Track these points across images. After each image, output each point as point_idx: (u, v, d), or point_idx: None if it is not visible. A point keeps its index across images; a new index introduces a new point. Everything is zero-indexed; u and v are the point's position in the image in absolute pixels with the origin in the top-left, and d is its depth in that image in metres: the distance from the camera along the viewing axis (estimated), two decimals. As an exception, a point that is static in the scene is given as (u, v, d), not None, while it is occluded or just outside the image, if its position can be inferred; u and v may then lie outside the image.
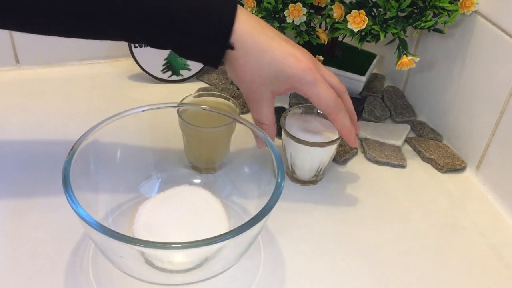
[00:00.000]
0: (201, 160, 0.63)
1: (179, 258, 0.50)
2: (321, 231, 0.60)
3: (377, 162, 0.70)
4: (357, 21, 0.66)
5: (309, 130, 0.63)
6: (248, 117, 0.60)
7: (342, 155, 0.69)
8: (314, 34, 0.73)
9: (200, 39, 0.51)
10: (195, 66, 0.83)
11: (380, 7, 0.67)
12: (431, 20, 0.66)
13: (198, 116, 0.60)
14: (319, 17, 0.74)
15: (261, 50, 0.52)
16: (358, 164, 0.70)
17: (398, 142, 0.73)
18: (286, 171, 0.65)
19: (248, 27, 0.51)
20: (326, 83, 0.54)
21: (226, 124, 0.59)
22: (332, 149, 0.62)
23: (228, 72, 0.57)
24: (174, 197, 0.58)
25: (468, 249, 0.60)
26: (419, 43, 0.79)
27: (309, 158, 0.62)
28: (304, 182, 0.65)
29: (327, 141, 0.61)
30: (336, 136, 0.62)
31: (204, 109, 0.59)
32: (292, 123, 0.63)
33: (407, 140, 0.75)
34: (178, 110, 0.60)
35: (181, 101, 0.64)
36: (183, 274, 0.51)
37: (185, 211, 0.56)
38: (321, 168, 0.64)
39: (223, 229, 0.54)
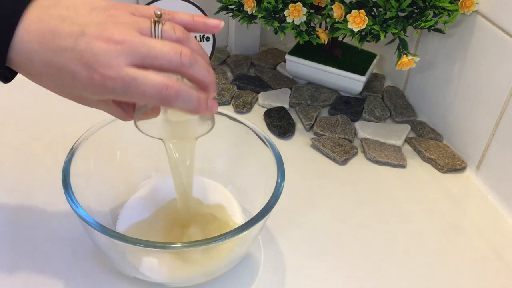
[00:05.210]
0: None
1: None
2: (321, 231, 0.60)
3: (377, 162, 0.70)
4: (357, 21, 0.66)
5: None
6: (248, 116, 0.60)
7: (342, 155, 0.69)
8: (314, 34, 0.73)
9: None
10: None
11: (380, 7, 0.67)
12: (431, 20, 0.66)
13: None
14: (319, 17, 0.73)
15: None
16: (358, 164, 0.70)
17: (398, 142, 0.73)
18: None
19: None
20: None
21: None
22: None
23: None
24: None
25: (468, 249, 0.60)
26: (419, 43, 0.79)
27: None
28: None
29: None
30: None
31: None
32: None
33: (407, 140, 0.75)
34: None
35: None
36: (183, 274, 0.50)
37: None
38: None
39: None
